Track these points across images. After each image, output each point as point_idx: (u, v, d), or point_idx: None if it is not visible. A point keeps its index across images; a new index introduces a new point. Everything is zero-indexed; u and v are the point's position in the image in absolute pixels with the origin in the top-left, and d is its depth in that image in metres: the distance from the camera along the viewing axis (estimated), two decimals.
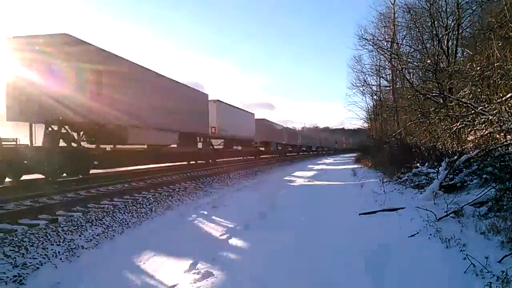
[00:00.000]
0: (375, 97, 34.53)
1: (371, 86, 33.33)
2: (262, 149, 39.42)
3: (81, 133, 13.55)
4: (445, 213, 6.39)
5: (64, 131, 12.55)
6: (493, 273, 3.80)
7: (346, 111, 57.23)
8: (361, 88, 34.44)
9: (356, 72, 33.48)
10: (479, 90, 9.90)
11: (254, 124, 35.64)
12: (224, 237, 6.61)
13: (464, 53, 15.48)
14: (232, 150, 30.98)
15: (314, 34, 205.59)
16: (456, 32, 15.35)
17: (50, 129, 12.38)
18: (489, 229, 5.22)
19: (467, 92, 10.75)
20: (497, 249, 4.56)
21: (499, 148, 7.41)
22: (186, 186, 12.66)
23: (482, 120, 8.94)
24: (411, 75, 20.34)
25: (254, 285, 4.29)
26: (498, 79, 8.34)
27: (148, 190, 11.16)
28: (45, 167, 11.54)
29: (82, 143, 13.44)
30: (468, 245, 4.70)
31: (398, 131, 19.30)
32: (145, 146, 16.59)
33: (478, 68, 9.57)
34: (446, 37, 15.42)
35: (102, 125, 13.34)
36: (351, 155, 55.75)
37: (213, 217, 8.35)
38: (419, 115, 14.50)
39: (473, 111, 9.38)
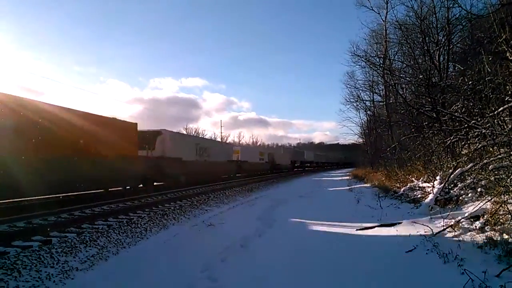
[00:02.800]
0: (369, 112, 34.90)
1: (364, 101, 33.69)
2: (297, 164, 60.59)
3: None
4: (442, 228, 6.38)
5: None
6: (492, 287, 3.78)
7: (341, 126, 58.19)
8: (354, 104, 34.82)
9: (350, 88, 33.97)
10: (471, 104, 9.99)
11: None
12: None
13: (456, 68, 15.66)
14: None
15: (306, 52, 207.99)
16: (447, 47, 15.59)
17: None
18: (486, 243, 5.21)
19: (459, 106, 10.85)
20: (494, 263, 4.54)
21: (493, 162, 7.45)
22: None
23: (475, 133, 9.01)
24: (404, 90, 20.57)
25: None
26: (490, 93, 8.43)
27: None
28: None
29: None
30: (465, 260, 4.68)
31: (393, 145, 19.39)
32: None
33: (470, 82, 9.68)
34: (438, 52, 15.64)
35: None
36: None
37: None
38: (412, 130, 14.61)
39: (466, 125, 9.46)
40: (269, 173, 41.27)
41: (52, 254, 5.90)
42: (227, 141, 73.54)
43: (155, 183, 17.49)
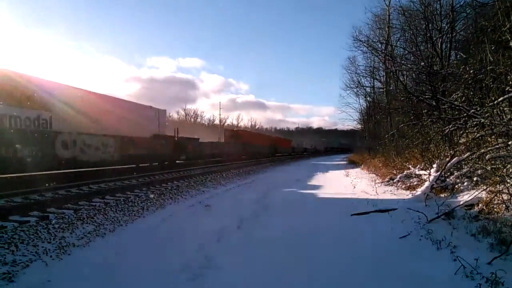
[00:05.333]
0: (368, 98, 34.73)
1: (365, 87, 33.51)
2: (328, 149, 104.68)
3: None
4: (436, 215, 6.44)
5: None
6: (482, 274, 3.84)
7: (340, 112, 58.44)
8: (355, 90, 34.66)
9: (350, 73, 33.84)
10: (471, 93, 9.95)
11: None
12: None
13: (458, 56, 15.53)
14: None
15: (307, 36, 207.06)
16: (450, 35, 15.44)
17: None
18: (479, 231, 5.28)
19: (459, 95, 10.81)
20: (487, 251, 4.61)
21: (490, 151, 7.48)
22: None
23: (474, 123, 9.00)
24: (405, 77, 20.44)
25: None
26: (491, 83, 8.38)
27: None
28: None
29: None
30: (458, 247, 4.74)
31: (391, 132, 19.41)
32: None
33: (471, 71, 9.61)
34: (440, 39, 15.50)
35: None
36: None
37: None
38: (412, 117, 14.58)
39: (465, 114, 9.44)
40: (313, 154, 77.39)
41: (49, 230, 5.95)
42: (226, 124, 76.48)
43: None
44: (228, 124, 78.64)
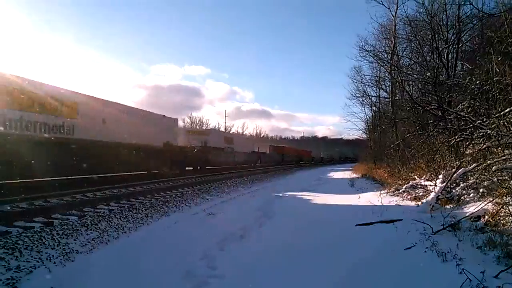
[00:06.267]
0: (374, 108, 34.62)
1: (370, 97, 33.39)
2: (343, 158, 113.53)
3: None
4: (442, 227, 6.38)
5: None
6: None
7: (345, 121, 58.15)
8: (360, 99, 34.55)
9: (356, 82, 33.60)
10: (477, 104, 9.90)
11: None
12: None
13: (464, 67, 15.49)
14: None
15: (312, 44, 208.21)
16: (456, 46, 15.43)
17: None
18: (485, 243, 5.21)
19: (465, 105, 10.77)
20: (493, 264, 4.55)
21: (496, 163, 7.42)
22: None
23: (481, 134, 8.94)
24: (411, 87, 20.39)
25: None
26: (497, 94, 8.33)
27: None
28: None
29: None
30: (464, 259, 4.68)
31: (397, 142, 19.34)
32: None
33: (477, 82, 9.59)
34: (446, 50, 15.49)
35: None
36: None
37: None
38: (417, 127, 14.53)
39: (471, 125, 9.39)
40: (327, 163, 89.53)
41: (53, 236, 5.96)
42: (231, 131, 77.66)
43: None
44: (234, 131, 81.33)
